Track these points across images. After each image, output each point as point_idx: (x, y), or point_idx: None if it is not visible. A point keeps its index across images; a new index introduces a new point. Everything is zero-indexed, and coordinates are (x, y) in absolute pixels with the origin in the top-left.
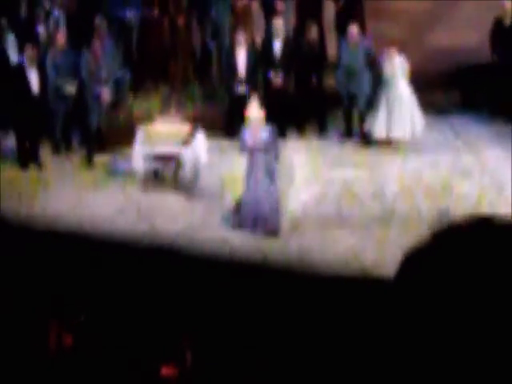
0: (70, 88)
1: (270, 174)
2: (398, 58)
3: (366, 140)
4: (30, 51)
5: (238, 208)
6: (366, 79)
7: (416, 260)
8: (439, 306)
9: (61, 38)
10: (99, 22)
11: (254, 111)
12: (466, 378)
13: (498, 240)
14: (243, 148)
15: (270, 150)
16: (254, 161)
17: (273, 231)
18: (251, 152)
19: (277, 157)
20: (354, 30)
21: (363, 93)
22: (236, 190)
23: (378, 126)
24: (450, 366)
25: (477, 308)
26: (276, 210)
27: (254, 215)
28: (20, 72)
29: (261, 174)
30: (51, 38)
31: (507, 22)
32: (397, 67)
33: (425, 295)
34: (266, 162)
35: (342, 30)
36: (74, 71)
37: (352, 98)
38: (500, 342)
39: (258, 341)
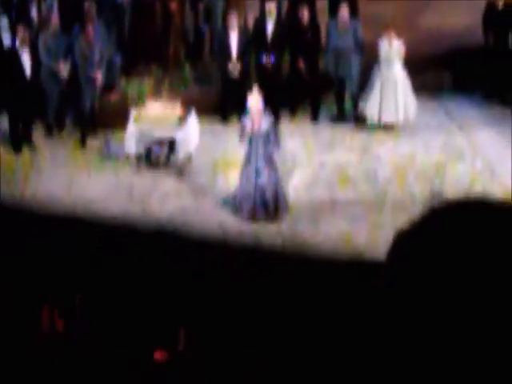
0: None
1: (270, 162)
2: (395, 41)
3: (359, 122)
4: (22, 33)
5: (235, 196)
6: (355, 61)
7: (408, 238)
8: (430, 285)
9: (55, 20)
10: (89, 4)
11: (255, 100)
12: (459, 354)
13: (490, 220)
14: (243, 137)
15: (270, 137)
16: (253, 149)
17: (277, 215)
18: (251, 141)
19: (277, 144)
20: (344, 11)
21: (353, 75)
22: (229, 172)
23: (371, 109)
24: (443, 344)
25: (468, 286)
26: (278, 196)
27: (252, 204)
28: (13, 54)
29: (261, 162)
30: (44, 21)
31: (500, 4)
32: (394, 50)
33: (416, 274)
34: (265, 150)
35: (334, 12)
36: (67, 54)
37: (341, 81)
38: (493, 319)
39: (250, 322)
